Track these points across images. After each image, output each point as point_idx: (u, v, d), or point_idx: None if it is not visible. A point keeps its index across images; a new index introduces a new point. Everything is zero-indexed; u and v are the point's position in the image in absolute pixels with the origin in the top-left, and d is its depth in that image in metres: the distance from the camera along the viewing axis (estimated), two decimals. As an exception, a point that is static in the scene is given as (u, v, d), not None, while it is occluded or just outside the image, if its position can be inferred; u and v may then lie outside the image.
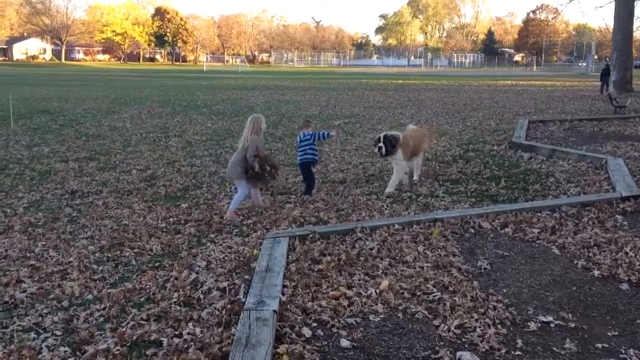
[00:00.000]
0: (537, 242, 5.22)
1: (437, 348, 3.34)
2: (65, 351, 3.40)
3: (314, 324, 3.61)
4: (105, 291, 4.29)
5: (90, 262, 4.98)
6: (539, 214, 5.96)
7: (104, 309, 3.97)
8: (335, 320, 3.66)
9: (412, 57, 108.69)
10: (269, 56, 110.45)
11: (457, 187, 7.59)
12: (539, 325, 3.63)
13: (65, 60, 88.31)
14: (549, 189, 7.36)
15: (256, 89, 29.31)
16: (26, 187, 7.85)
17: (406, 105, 19.99)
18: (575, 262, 4.72)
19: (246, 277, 4.42)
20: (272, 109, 18.56)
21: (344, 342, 3.40)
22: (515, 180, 7.98)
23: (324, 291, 4.09)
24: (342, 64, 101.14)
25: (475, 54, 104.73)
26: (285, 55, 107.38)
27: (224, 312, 3.81)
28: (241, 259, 4.85)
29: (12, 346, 3.46)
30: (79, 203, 7.07)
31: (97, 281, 4.54)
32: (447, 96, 24.48)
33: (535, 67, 78.63)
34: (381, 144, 7.19)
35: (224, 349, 3.28)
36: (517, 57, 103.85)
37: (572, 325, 3.64)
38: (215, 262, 4.82)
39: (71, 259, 5.02)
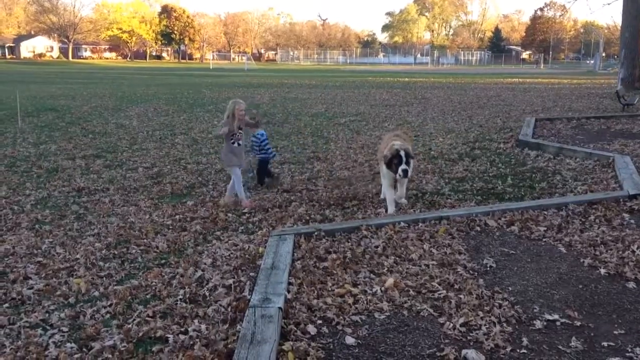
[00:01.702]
0: (544, 240, 5.20)
1: (442, 346, 3.34)
2: (71, 347, 3.42)
3: (319, 322, 3.61)
4: (112, 288, 4.31)
5: (97, 259, 5.01)
6: (545, 212, 5.93)
7: (110, 305, 3.99)
8: (341, 317, 3.66)
9: (419, 55, 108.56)
10: (275, 54, 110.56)
11: (463, 185, 7.57)
12: (545, 323, 3.62)
13: (72, 58, 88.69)
14: (556, 187, 7.33)
15: (262, 86, 29.33)
16: (33, 185, 7.90)
17: (412, 103, 19.94)
18: (581, 260, 4.70)
19: (252, 274, 4.43)
20: (277, 106, 18.56)
21: (349, 340, 3.40)
22: (522, 178, 7.94)
23: (329, 289, 4.09)
24: (348, 61, 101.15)
25: (482, 52, 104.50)
26: (292, 53, 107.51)
27: (229, 309, 3.82)
28: (247, 256, 4.86)
29: (19, 342, 3.49)
30: (85, 200, 7.10)
31: (104, 278, 4.56)
32: (454, 94, 24.39)
33: (542, 65, 78.22)
34: (406, 167, 5.72)
35: (229, 345, 3.29)
36: (524, 55, 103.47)
37: (578, 323, 3.62)
38: (220, 260, 4.84)
39: (78, 256, 5.05)
